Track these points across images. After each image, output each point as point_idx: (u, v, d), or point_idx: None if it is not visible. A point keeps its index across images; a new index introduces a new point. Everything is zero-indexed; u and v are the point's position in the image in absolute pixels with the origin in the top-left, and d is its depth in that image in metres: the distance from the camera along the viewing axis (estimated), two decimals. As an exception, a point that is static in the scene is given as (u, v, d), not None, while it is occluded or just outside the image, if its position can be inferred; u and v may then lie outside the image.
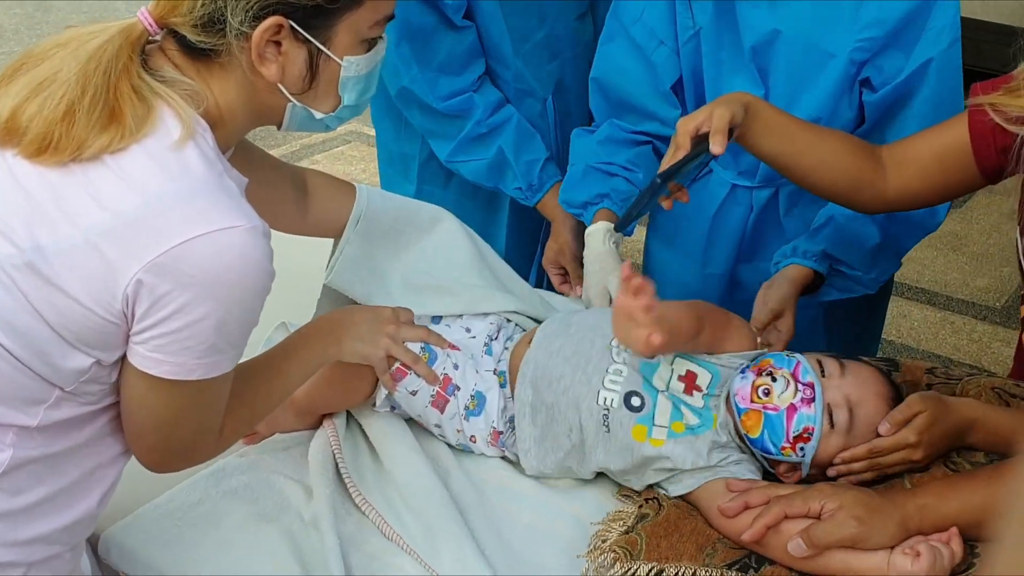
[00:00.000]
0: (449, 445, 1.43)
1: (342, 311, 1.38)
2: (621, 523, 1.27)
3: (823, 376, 1.29)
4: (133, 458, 1.15)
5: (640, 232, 2.13)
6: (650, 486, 1.33)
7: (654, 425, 1.30)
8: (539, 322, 1.49)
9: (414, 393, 1.39)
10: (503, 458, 1.43)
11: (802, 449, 1.26)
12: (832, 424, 1.26)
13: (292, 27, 1.06)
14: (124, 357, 1.04)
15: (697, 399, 1.31)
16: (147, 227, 0.97)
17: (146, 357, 1.02)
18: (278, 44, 1.06)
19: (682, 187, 1.36)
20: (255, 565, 1.24)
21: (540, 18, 1.90)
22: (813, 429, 1.25)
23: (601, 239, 1.68)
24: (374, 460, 1.41)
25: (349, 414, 1.45)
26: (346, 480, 1.35)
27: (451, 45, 1.84)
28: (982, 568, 1.10)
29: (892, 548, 1.14)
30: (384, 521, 1.31)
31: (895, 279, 1.79)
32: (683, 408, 1.30)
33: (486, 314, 1.50)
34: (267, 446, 1.44)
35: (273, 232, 1.06)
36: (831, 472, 1.28)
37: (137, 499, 1.31)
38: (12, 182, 1.01)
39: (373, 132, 2.18)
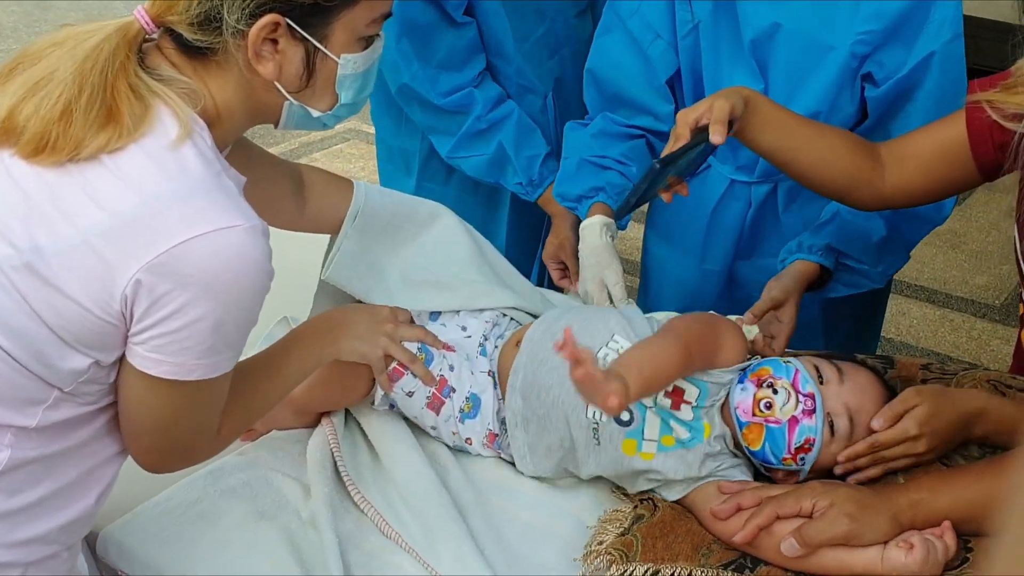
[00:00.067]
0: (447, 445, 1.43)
1: (340, 310, 1.37)
2: (617, 524, 1.27)
3: (821, 383, 1.28)
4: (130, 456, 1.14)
5: (638, 228, 2.13)
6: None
7: (644, 439, 1.29)
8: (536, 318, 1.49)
9: (410, 394, 1.38)
10: (500, 458, 1.42)
11: (803, 459, 1.26)
12: (832, 433, 1.26)
13: (289, 25, 1.05)
14: (122, 358, 1.04)
15: (686, 412, 1.29)
16: (145, 227, 0.97)
17: (145, 357, 1.01)
18: (275, 42, 1.06)
19: (682, 180, 1.35)
20: (253, 563, 1.24)
21: (540, 15, 1.91)
22: (814, 440, 1.25)
23: (597, 233, 1.67)
24: (373, 458, 1.41)
25: (348, 412, 1.45)
26: (344, 478, 1.35)
27: (452, 41, 1.84)
28: (982, 563, 1.10)
29: (885, 543, 1.13)
30: (383, 519, 1.31)
31: (894, 276, 1.78)
32: (672, 423, 1.29)
33: (482, 310, 1.49)
34: (265, 443, 1.44)
35: (271, 228, 1.06)
36: (837, 471, 1.27)
37: (135, 497, 1.31)
38: (10, 183, 1.00)
39: (372, 130, 2.17)
